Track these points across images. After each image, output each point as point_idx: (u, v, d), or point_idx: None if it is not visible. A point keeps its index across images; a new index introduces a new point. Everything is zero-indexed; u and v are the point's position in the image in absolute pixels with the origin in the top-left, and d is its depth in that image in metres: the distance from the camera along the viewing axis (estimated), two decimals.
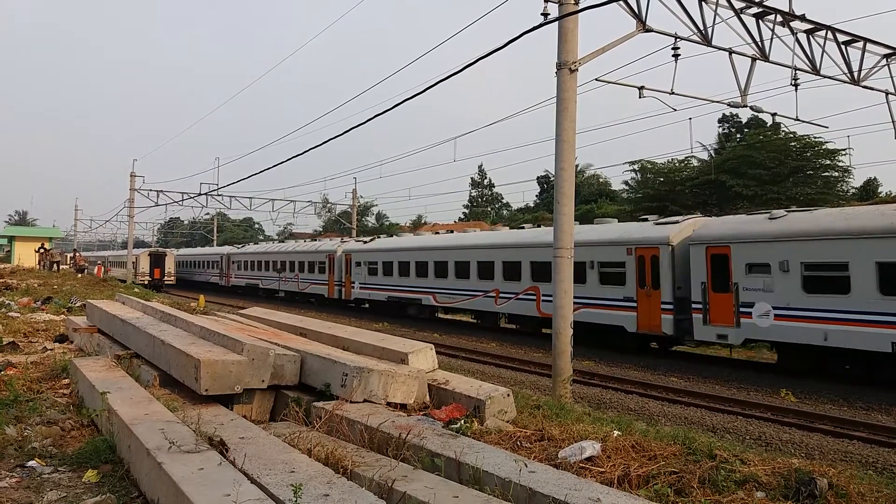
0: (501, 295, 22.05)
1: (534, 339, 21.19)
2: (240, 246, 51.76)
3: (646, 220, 19.69)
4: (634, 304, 17.53)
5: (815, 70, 14.46)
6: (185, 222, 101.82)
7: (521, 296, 21.18)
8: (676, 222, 17.79)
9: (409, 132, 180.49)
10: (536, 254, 20.45)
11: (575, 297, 11.68)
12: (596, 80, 12.79)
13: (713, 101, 14.32)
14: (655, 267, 17.14)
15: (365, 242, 32.30)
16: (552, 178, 16.39)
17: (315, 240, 45.70)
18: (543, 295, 19.98)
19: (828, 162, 35.78)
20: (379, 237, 33.71)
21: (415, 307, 27.46)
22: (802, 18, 14.05)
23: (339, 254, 33.08)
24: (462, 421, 6.17)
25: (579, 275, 16.94)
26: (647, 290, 17.27)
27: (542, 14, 11.29)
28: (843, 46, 14.84)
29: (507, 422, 6.72)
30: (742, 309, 15.18)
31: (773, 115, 15.34)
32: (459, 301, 24.31)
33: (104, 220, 70.62)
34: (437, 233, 31.48)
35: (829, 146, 34.04)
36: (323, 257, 34.60)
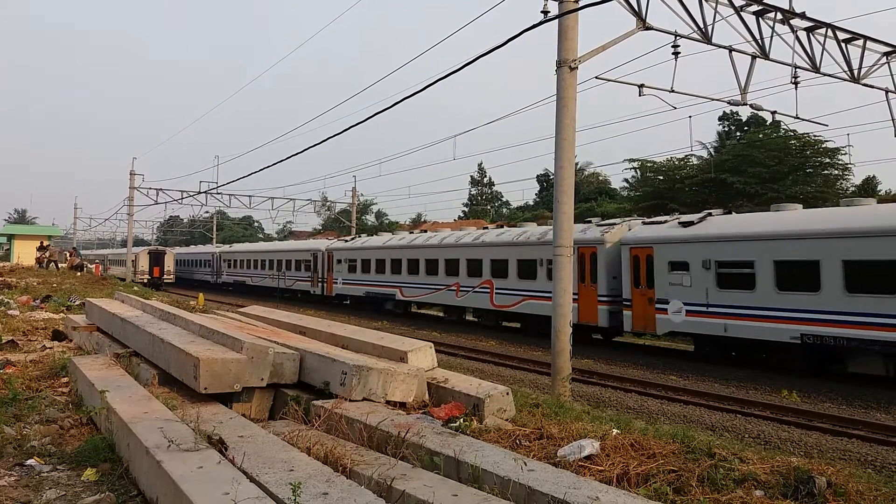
0: None
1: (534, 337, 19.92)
2: (402, 237, 30.10)
3: None
4: None
5: (815, 68, 14.45)
6: (185, 220, 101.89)
7: None
8: None
9: (409, 130, 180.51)
10: None
11: None
12: (596, 77, 12.80)
13: (713, 99, 14.32)
14: None
15: (691, 224, 16.94)
16: (552, 177, 16.11)
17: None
18: None
19: (827, 160, 35.80)
20: (710, 214, 17.30)
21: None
22: (802, 16, 14.03)
23: (607, 247, 18.75)
24: (461, 419, 6.17)
25: None
26: None
27: (542, 12, 11.30)
28: (843, 44, 14.83)
29: (507, 420, 6.72)
30: None
31: (773, 113, 15.33)
32: None
33: (104, 219, 71.07)
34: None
35: (829, 144, 34.06)
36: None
